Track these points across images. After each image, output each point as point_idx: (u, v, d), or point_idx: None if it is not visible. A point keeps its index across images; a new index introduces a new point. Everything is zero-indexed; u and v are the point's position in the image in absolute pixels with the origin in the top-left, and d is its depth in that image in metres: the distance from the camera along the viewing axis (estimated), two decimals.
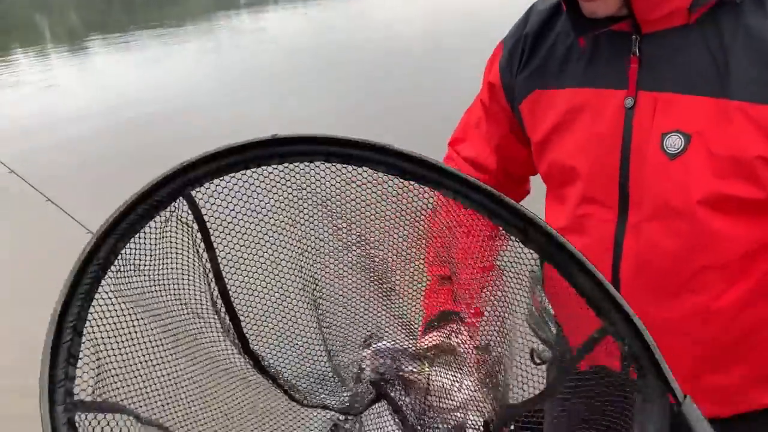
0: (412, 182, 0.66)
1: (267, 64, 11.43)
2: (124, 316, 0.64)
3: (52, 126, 8.09)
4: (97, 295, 0.59)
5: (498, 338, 0.78)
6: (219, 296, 0.74)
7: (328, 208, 0.73)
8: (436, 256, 0.85)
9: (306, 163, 0.67)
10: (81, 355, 0.56)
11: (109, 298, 0.61)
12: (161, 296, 0.70)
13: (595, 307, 0.64)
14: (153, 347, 0.68)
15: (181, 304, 0.72)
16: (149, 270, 0.67)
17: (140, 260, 0.65)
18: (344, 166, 0.67)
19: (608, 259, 0.92)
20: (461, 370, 0.86)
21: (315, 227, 0.76)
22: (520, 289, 0.76)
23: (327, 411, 0.88)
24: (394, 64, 10.13)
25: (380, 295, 0.84)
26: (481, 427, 0.80)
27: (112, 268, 0.60)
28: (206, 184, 0.66)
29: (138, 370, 0.66)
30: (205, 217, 0.68)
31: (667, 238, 0.87)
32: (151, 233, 0.64)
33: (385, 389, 0.88)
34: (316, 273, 0.79)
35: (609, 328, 0.64)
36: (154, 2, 36.12)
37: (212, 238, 0.70)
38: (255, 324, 0.79)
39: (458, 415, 0.84)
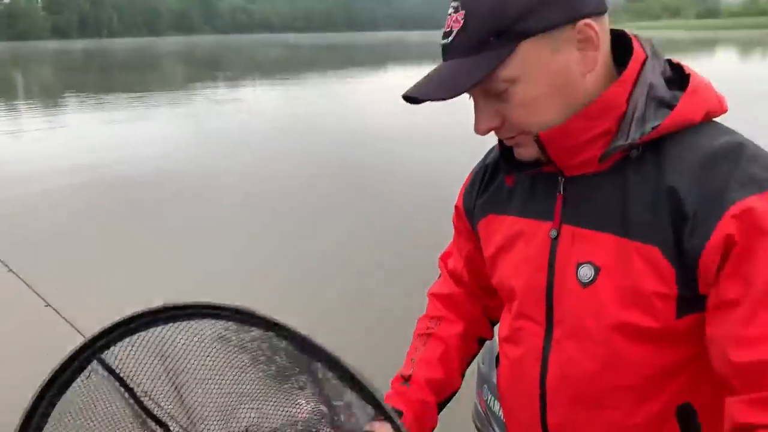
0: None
1: (239, 131, 11.65)
2: None
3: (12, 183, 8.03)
4: None
5: None
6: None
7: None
8: None
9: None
10: None
11: None
12: None
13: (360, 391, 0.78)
14: None
15: None
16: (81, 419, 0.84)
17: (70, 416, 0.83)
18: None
19: (537, 369, 1.03)
20: None
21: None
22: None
23: None
24: (360, 141, 10.42)
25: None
26: None
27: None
28: (113, 347, 0.83)
29: None
30: (124, 371, 0.84)
31: (582, 356, 0.97)
32: (76, 394, 0.82)
33: None
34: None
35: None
36: (133, 67, 36.63)
37: (131, 383, 0.86)
38: None
39: None
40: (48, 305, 2.28)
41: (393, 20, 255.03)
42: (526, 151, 0.96)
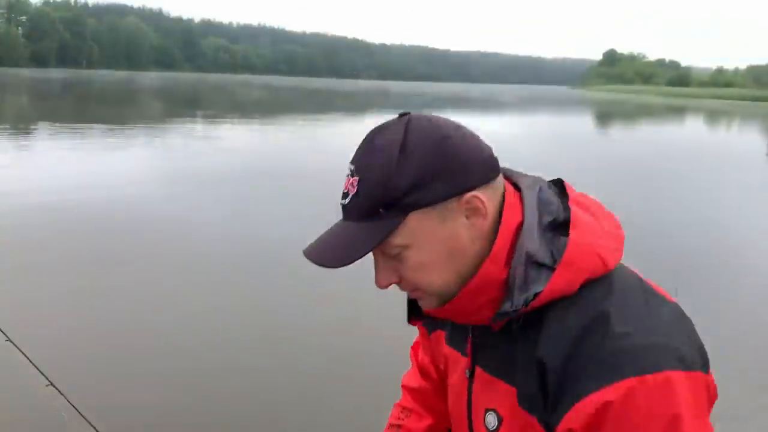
0: None
1: (211, 167, 11.58)
2: None
3: None
4: None
5: None
6: None
7: None
8: None
9: None
10: None
11: None
12: None
13: None
14: None
15: None
16: None
17: None
18: None
19: None
20: None
21: None
22: None
23: None
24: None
25: None
26: None
27: None
28: None
29: None
30: None
31: None
32: None
33: None
34: None
35: None
36: (111, 102, 36.62)
37: None
38: None
39: None
40: (8, 340, 2.14)
41: (374, 70, 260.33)
42: (425, 305, 1.01)
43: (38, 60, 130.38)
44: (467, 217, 0.91)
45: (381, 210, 0.89)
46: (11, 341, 2.11)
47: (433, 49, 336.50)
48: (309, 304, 5.06)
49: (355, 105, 42.38)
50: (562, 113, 41.67)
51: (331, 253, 0.92)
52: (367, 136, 0.94)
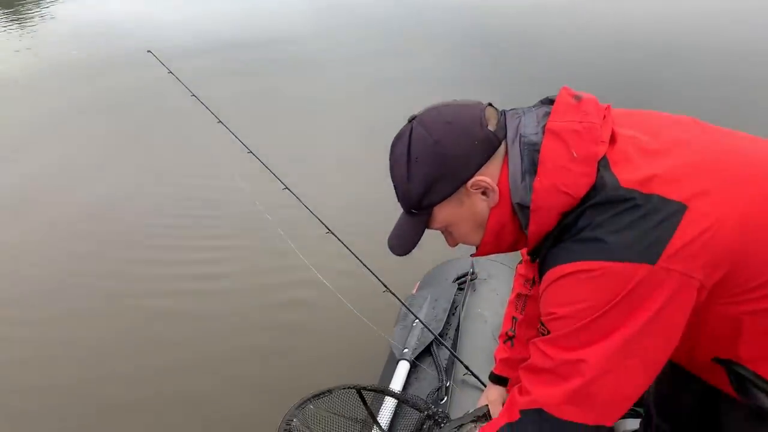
0: None
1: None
2: None
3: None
4: None
5: None
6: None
7: None
8: None
9: None
10: None
11: None
12: None
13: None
14: None
15: None
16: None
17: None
18: None
19: None
20: None
21: None
22: None
23: None
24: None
25: None
26: None
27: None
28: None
29: None
30: None
31: None
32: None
33: None
34: None
35: None
36: None
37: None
38: None
39: None
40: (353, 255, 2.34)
41: None
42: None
43: None
44: (482, 193, 1.10)
45: (413, 210, 1.14)
46: (354, 255, 2.30)
47: None
48: None
49: None
50: None
51: (398, 246, 1.18)
52: (392, 143, 1.14)
